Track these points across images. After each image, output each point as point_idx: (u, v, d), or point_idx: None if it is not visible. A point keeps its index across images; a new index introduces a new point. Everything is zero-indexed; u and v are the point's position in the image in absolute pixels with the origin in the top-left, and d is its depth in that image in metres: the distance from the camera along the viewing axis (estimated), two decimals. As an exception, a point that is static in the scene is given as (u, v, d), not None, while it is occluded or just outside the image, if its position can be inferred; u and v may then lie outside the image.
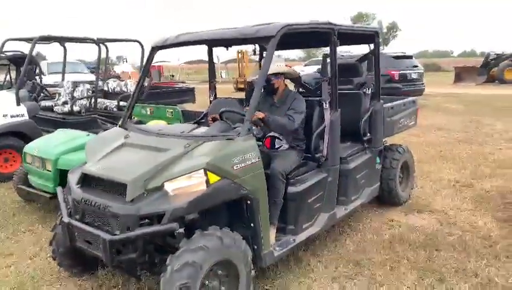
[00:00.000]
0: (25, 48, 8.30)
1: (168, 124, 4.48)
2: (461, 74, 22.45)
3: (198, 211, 2.60)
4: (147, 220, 2.51)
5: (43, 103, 7.32)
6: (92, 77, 13.15)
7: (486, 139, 8.12)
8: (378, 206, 4.70)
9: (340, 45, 3.60)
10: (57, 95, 7.53)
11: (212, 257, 2.51)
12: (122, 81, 8.69)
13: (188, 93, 9.06)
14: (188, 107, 8.40)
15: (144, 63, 7.53)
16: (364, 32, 4.26)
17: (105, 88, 8.29)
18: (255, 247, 2.89)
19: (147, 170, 2.62)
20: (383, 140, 4.55)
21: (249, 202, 2.81)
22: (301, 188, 3.31)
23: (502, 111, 11.72)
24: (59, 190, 3.18)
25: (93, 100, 7.05)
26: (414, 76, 12.94)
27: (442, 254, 3.62)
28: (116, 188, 2.64)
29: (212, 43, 4.14)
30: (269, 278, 3.28)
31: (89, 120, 6.35)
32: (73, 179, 2.99)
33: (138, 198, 2.55)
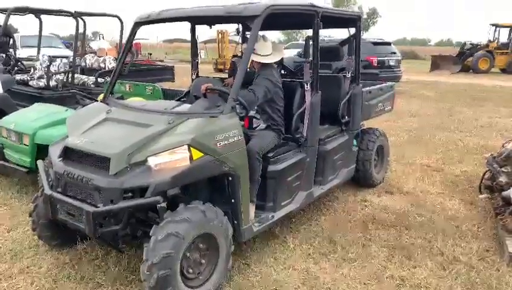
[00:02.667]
0: (-3, 18, 8.00)
1: None
2: (437, 63, 22.88)
3: (181, 186, 2.66)
4: (130, 194, 2.56)
5: (18, 77, 7.10)
6: (67, 52, 12.78)
7: (458, 126, 8.42)
8: (352, 187, 4.86)
9: (322, 28, 3.64)
10: (32, 69, 7.31)
11: (195, 229, 2.58)
12: (100, 57, 8.51)
13: (167, 72, 8.96)
14: (167, 85, 8.34)
15: (123, 39, 7.41)
16: (346, 16, 4.32)
17: (83, 64, 8.10)
18: (235, 222, 2.99)
19: (131, 145, 2.65)
20: (361, 123, 4.68)
21: (230, 178, 2.88)
22: (281, 167, 3.41)
23: (473, 100, 12.11)
24: (40, 162, 3.20)
25: (70, 75, 6.89)
26: (392, 63, 13.14)
27: (412, 233, 3.80)
28: (100, 162, 2.67)
29: (195, 20, 4.14)
30: (246, 253, 3.39)
31: (65, 95, 6.22)
32: (54, 152, 2.99)
33: (121, 172, 2.59)
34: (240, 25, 4.75)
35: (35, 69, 7.16)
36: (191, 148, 2.62)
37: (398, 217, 4.14)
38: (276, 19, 3.36)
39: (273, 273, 3.15)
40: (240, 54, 18.31)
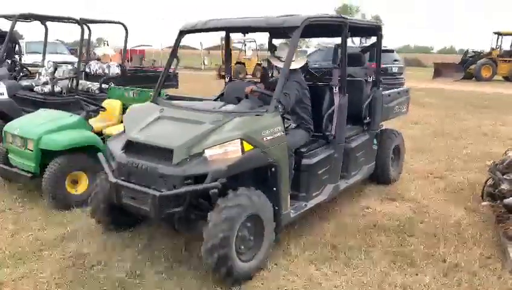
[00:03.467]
0: (3, 25, 8.08)
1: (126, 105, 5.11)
2: (440, 70, 22.92)
3: (233, 174, 2.99)
4: (189, 181, 2.91)
5: (23, 83, 7.16)
6: (72, 58, 12.89)
7: (461, 134, 8.41)
8: (355, 194, 4.87)
9: (350, 37, 4.06)
10: (37, 75, 7.37)
11: (250, 206, 3.01)
12: (104, 63, 8.57)
13: (171, 79, 9.00)
14: (171, 92, 8.38)
15: (127, 45, 7.48)
16: (369, 26, 4.77)
17: (87, 70, 8.17)
18: (276, 208, 3.31)
19: (189, 139, 3.03)
20: (380, 124, 5.04)
21: (273, 169, 3.25)
22: (313, 161, 3.80)
23: (476, 107, 12.11)
24: (100, 154, 3.59)
25: (74, 81, 6.95)
26: (395, 70, 13.20)
27: (414, 240, 3.80)
28: (163, 153, 3.03)
29: (236, 30, 4.53)
30: (249, 259, 3.39)
31: (70, 101, 6.27)
32: (114, 145, 3.41)
33: (182, 162, 2.96)
34: (268, 34, 5.05)
35: (40, 74, 7.23)
36: (243, 141, 3.00)
37: (401, 223, 4.14)
38: (310, 29, 3.67)
39: (275, 280, 3.15)
40: (242, 61, 18.88)
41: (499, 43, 22.20)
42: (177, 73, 9.31)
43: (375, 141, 4.92)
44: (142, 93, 5.53)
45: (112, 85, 6.62)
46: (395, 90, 5.51)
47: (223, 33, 4.83)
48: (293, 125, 3.90)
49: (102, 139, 4.76)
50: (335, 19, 3.98)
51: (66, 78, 6.90)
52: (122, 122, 5.47)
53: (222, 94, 4.53)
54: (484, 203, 4.42)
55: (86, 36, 7.60)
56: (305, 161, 3.74)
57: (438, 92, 16.03)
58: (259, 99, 3.64)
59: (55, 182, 4.16)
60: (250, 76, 22.86)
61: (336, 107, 4.06)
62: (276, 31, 4.52)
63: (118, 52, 17.04)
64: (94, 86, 7.16)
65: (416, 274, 3.26)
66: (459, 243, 3.76)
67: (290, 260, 3.42)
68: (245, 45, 26.28)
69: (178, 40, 4.09)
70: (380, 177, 5.13)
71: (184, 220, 3.26)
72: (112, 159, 3.34)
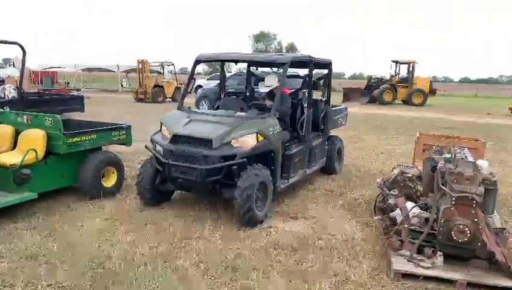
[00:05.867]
0: None
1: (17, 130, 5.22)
2: (349, 94, 24.71)
3: (251, 155, 4.58)
4: (222, 160, 4.46)
5: None
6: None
7: (362, 153, 9.09)
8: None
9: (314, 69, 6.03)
10: None
11: (261, 175, 4.61)
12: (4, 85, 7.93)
13: (76, 102, 8.57)
14: (77, 116, 7.96)
15: (25, 66, 7.01)
16: (324, 62, 6.37)
17: (-22, 93, 7.49)
18: (273, 180, 4.88)
19: (221, 133, 4.56)
20: (329, 131, 6.86)
21: (272, 153, 4.93)
22: (292, 152, 5.38)
23: (377, 128, 13.21)
24: (147, 145, 5.17)
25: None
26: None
27: (311, 257, 3.98)
28: (204, 142, 4.55)
29: (240, 61, 6.70)
30: None
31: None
32: (158, 139, 4.93)
33: (218, 147, 4.50)
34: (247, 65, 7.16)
35: None
36: (258, 134, 4.60)
37: (300, 241, 4.31)
38: (292, 63, 5.31)
39: (170, 307, 3.09)
40: (160, 84, 19.82)
41: (397, 71, 24.60)
42: (83, 96, 8.90)
43: (326, 143, 6.72)
44: (36, 118, 5.19)
45: (7, 109, 6.14)
46: (338, 107, 7.51)
47: (140, 56, 5.91)
48: (280, 128, 5.18)
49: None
50: (307, 58, 5.75)
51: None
52: (14, 149, 5.12)
53: (218, 107, 6.14)
54: (376, 217, 4.79)
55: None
56: (287, 152, 5.29)
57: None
58: (258, 109, 5.45)
59: None
60: (170, 99, 22.52)
61: (305, 117, 5.78)
62: (271, 64, 6.82)
63: (28, 73, 15.87)
64: (-15, 110, 6.57)
65: (310, 290, 3.40)
66: (351, 256, 4.02)
67: (188, 286, 3.38)
68: (163, 68, 25.87)
69: (194, 67, 5.76)
70: (328, 169, 6.92)
71: (211, 189, 4.74)
72: (156, 148, 4.84)
